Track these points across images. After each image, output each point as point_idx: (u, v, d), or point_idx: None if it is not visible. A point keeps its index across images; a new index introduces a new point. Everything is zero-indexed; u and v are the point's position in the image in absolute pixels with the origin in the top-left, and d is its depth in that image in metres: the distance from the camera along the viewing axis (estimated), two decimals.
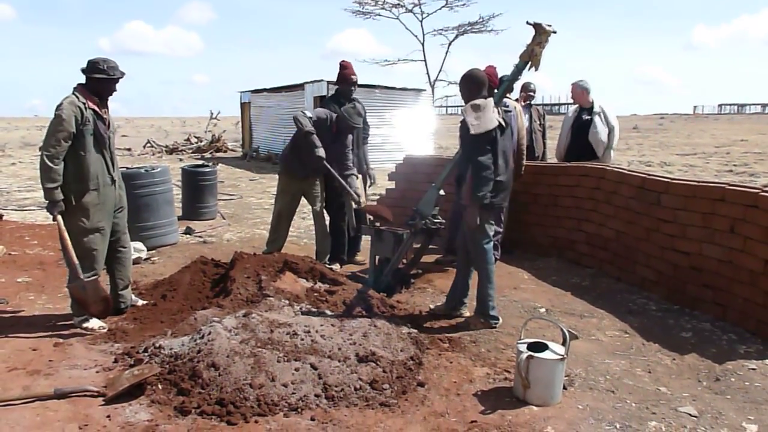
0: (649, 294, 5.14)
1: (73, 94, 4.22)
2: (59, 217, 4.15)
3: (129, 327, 4.36)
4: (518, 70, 4.39)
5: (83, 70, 4.27)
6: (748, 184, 4.72)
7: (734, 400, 3.36)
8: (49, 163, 4.06)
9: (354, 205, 5.90)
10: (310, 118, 5.62)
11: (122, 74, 4.35)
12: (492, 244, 4.45)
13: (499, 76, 5.56)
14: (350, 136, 5.94)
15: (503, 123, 4.32)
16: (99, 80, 4.27)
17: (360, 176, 6.32)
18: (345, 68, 6.14)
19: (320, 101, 16.62)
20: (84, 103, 4.18)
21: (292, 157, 5.78)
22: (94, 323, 4.31)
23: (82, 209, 4.25)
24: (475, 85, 4.42)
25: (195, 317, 4.14)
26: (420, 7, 32.94)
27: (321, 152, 5.48)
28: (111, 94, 4.40)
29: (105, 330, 4.29)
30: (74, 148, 4.16)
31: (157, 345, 3.72)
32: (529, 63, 4.30)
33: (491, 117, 4.19)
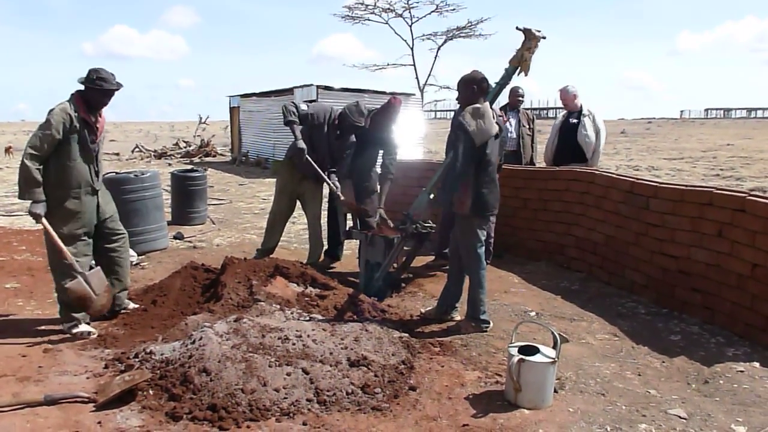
0: (639, 297, 5.17)
1: (68, 100, 4.21)
2: (44, 219, 4.10)
3: (119, 332, 4.33)
4: (508, 75, 4.41)
5: (80, 80, 4.24)
6: (735, 189, 4.77)
7: (723, 402, 3.39)
8: (29, 163, 4.02)
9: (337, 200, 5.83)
10: (302, 110, 5.59)
11: (117, 86, 4.28)
12: (483, 248, 4.47)
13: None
14: (352, 137, 5.86)
15: (499, 129, 4.34)
16: (90, 90, 4.24)
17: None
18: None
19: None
20: (75, 111, 4.16)
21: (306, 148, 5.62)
22: (84, 328, 4.28)
23: (60, 216, 4.20)
24: (476, 87, 4.28)
25: (186, 322, 4.13)
26: (410, 12, 33.18)
27: (301, 144, 5.46)
28: (102, 107, 4.34)
29: (95, 335, 4.26)
30: (59, 154, 4.14)
31: (148, 350, 3.71)
32: (519, 68, 4.33)
33: (491, 124, 4.19)
